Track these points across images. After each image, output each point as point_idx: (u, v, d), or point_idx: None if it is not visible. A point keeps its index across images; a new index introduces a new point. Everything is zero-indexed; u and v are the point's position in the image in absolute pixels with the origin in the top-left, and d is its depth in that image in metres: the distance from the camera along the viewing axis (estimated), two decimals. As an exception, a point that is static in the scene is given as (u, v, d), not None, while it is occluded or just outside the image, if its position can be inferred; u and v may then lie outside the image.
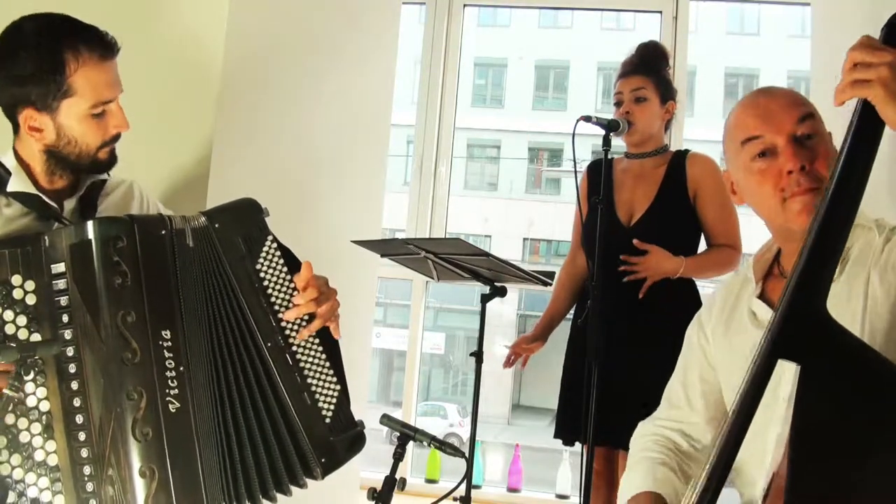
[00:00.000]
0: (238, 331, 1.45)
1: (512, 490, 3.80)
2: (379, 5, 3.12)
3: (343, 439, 1.50)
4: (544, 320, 2.67)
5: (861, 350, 1.05)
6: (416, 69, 4.03)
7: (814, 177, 1.26)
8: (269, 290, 1.48)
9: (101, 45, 1.45)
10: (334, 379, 1.51)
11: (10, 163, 1.50)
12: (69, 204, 1.53)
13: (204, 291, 1.44)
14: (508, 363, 2.65)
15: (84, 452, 1.33)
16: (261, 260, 1.49)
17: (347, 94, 2.83)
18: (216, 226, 1.47)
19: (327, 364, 1.51)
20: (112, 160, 1.55)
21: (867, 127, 1.07)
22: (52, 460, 1.33)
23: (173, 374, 1.38)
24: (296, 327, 1.50)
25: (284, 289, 1.50)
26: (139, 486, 1.32)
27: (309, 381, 1.48)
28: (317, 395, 1.49)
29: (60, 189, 1.53)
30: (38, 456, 1.32)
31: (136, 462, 1.33)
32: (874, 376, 1.03)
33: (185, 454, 1.36)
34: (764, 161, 1.29)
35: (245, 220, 1.50)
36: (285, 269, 1.50)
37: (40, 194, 1.49)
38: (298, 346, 1.49)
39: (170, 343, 1.39)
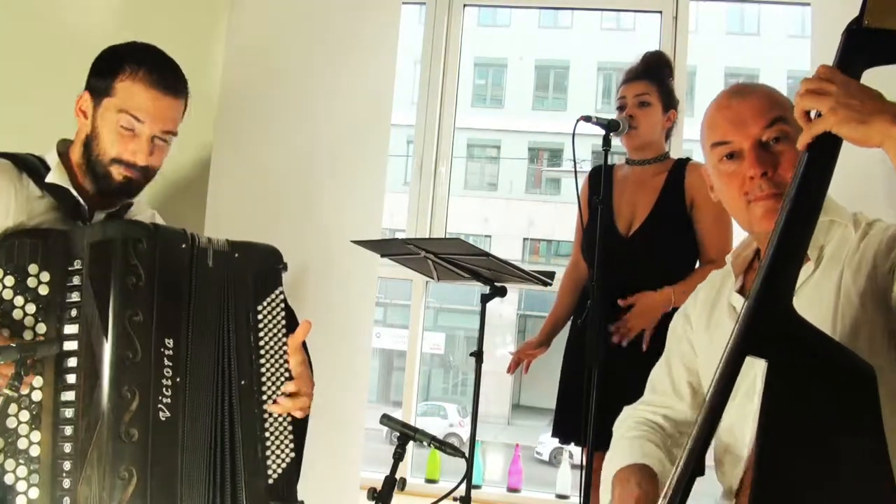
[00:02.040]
0: (217, 357, 1.46)
1: (512, 490, 3.80)
2: (379, 5, 3.11)
3: None
4: (548, 325, 2.67)
5: (826, 345, 1.07)
6: (416, 69, 4.03)
7: (776, 182, 1.28)
8: (261, 334, 1.50)
9: (160, 75, 1.50)
10: (291, 446, 1.51)
11: (53, 160, 1.55)
12: (97, 216, 1.56)
13: (212, 313, 1.46)
14: (512, 368, 2.66)
15: (67, 448, 1.33)
16: (264, 303, 1.52)
17: (347, 94, 2.83)
18: (235, 255, 1.51)
19: (289, 429, 1.52)
20: (123, 188, 1.54)
21: (824, 147, 1.11)
22: (35, 451, 1.33)
23: (169, 382, 1.38)
24: (273, 386, 1.50)
25: (276, 339, 1.52)
26: (116, 488, 1.31)
27: (267, 435, 1.48)
28: (269, 453, 1.48)
29: (90, 195, 1.55)
30: (22, 444, 1.32)
31: (117, 462, 1.32)
32: (838, 371, 1.04)
33: (167, 464, 1.36)
34: (731, 163, 1.32)
35: (263, 261, 1.54)
36: (283, 322, 1.53)
37: (73, 190, 1.52)
38: (269, 400, 1.50)
39: (171, 352, 1.40)
